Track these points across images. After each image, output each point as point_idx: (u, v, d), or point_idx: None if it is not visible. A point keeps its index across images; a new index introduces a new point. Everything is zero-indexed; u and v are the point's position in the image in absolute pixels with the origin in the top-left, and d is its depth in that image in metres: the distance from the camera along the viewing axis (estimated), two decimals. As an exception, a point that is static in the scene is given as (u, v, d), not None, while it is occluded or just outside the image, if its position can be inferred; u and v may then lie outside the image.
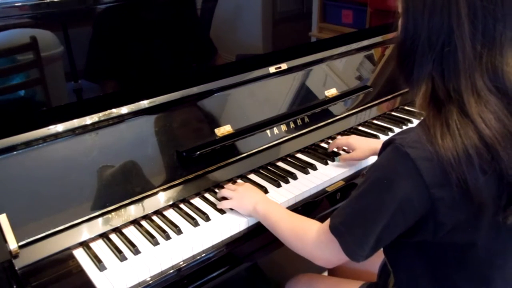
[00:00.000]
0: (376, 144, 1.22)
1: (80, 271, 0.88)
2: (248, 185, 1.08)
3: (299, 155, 1.30)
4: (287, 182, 1.16)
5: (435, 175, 0.69)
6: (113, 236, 0.97)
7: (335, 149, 1.29)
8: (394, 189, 0.72)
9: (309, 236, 0.86)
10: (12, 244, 0.86)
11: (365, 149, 1.20)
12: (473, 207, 0.71)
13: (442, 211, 0.71)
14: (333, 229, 0.80)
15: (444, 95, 0.72)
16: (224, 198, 1.06)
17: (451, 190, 0.69)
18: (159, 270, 0.90)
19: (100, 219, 0.98)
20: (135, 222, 1.01)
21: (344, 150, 1.29)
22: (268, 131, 1.26)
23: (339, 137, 1.34)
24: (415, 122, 1.48)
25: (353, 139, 1.24)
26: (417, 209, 0.72)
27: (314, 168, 1.22)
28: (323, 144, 1.35)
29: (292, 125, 1.31)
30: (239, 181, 1.17)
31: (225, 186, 1.12)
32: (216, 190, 1.12)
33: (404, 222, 0.74)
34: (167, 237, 0.96)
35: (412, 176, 0.70)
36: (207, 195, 1.11)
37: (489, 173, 0.69)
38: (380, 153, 0.79)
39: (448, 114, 0.71)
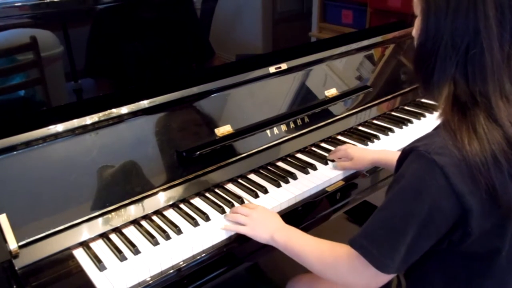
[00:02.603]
0: (375, 154, 1.19)
1: (80, 271, 0.88)
2: (261, 209, 1.01)
3: (299, 155, 1.30)
4: (287, 182, 1.16)
5: (464, 182, 0.67)
6: (113, 236, 0.97)
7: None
8: (423, 198, 0.69)
9: (341, 263, 0.81)
10: (12, 244, 0.86)
11: (363, 160, 1.18)
12: (501, 213, 0.70)
13: (472, 218, 0.69)
14: (353, 243, 0.77)
15: (469, 99, 0.70)
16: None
17: (481, 197, 0.68)
18: (159, 270, 0.90)
19: (100, 219, 0.98)
20: (135, 222, 1.01)
21: None
22: (268, 131, 1.26)
23: (339, 147, 1.31)
24: (415, 122, 1.48)
25: (352, 149, 1.21)
26: (448, 218, 0.70)
27: (314, 168, 1.22)
28: (323, 144, 1.35)
29: (292, 125, 1.31)
30: (246, 202, 1.08)
31: (236, 210, 1.02)
32: (217, 190, 1.12)
33: (436, 232, 0.71)
34: (167, 237, 0.96)
35: (440, 184, 0.68)
36: (207, 195, 1.11)
37: None
38: (400, 161, 0.77)
39: (474, 118, 0.69)
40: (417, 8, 0.75)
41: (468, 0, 0.67)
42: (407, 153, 0.75)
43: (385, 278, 0.76)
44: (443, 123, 0.74)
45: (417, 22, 0.75)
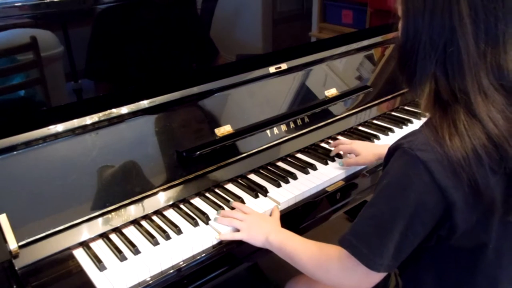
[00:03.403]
0: (381, 148, 1.20)
1: (80, 271, 0.88)
2: (255, 213, 1.02)
3: (299, 155, 1.30)
4: (287, 182, 1.16)
5: (447, 177, 0.69)
6: (113, 236, 0.97)
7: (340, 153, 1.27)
8: (408, 194, 0.70)
9: (332, 264, 0.82)
10: (12, 244, 0.86)
11: (369, 154, 1.19)
12: (484, 207, 0.71)
13: (457, 213, 0.70)
14: (342, 241, 0.77)
15: (449, 96, 0.71)
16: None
17: (464, 191, 0.69)
18: (159, 270, 0.90)
19: (100, 219, 0.98)
20: (135, 222, 1.01)
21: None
22: (268, 131, 1.26)
23: (342, 139, 1.31)
24: (415, 122, 1.48)
25: (357, 145, 1.22)
26: (434, 213, 0.71)
27: (314, 168, 1.22)
28: (323, 144, 1.35)
29: (292, 125, 1.31)
30: (236, 203, 1.06)
31: (231, 214, 1.01)
32: (217, 190, 1.12)
33: (423, 227, 0.72)
34: (167, 237, 0.96)
35: (424, 180, 0.69)
36: (207, 195, 1.11)
37: (499, 173, 0.69)
38: (386, 159, 0.78)
39: (454, 114, 0.70)
40: (399, 10, 0.77)
41: (443, 1, 0.69)
42: (392, 150, 0.76)
43: (377, 277, 0.77)
44: (426, 120, 0.76)
45: (400, 24, 0.77)
